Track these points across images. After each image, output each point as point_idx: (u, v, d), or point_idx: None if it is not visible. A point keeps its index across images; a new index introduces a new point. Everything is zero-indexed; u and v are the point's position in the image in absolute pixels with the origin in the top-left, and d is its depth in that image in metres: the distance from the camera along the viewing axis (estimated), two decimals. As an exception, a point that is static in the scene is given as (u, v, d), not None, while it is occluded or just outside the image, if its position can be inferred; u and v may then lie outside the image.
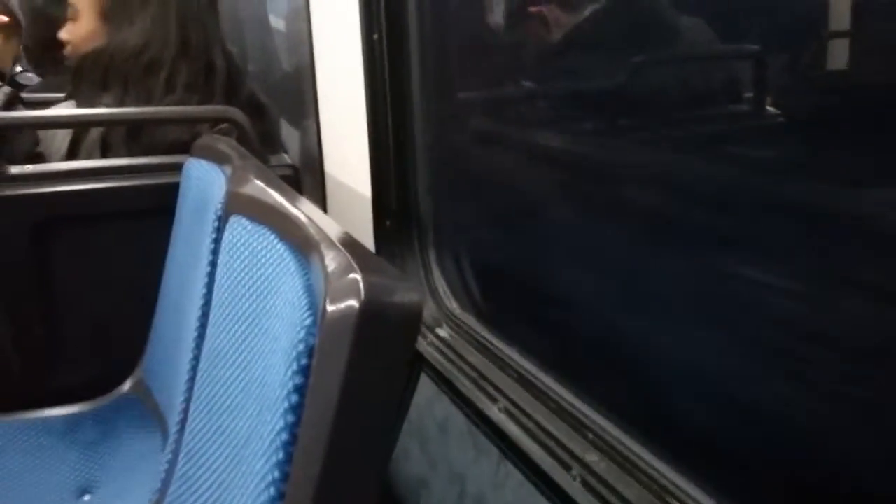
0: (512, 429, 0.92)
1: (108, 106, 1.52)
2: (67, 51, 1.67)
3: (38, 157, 1.52)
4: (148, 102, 1.53)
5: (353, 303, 0.58)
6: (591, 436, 0.84)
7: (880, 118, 0.57)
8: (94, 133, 1.52)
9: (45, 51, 2.36)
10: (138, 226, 1.46)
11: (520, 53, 1.11)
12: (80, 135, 1.52)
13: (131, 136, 1.52)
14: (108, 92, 1.53)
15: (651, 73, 0.84)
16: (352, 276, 0.61)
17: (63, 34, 1.67)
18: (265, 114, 1.72)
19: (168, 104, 1.53)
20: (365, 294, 0.58)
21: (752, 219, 0.69)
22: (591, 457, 0.82)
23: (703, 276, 0.77)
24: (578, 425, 0.86)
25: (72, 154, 1.52)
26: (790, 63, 0.68)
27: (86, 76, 1.55)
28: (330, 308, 0.60)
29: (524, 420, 0.91)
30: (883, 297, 0.59)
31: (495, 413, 0.95)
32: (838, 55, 0.62)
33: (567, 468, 0.82)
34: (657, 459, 0.77)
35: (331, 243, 0.69)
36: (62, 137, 1.52)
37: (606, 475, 0.78)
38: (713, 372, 0.76)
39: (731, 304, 0.73)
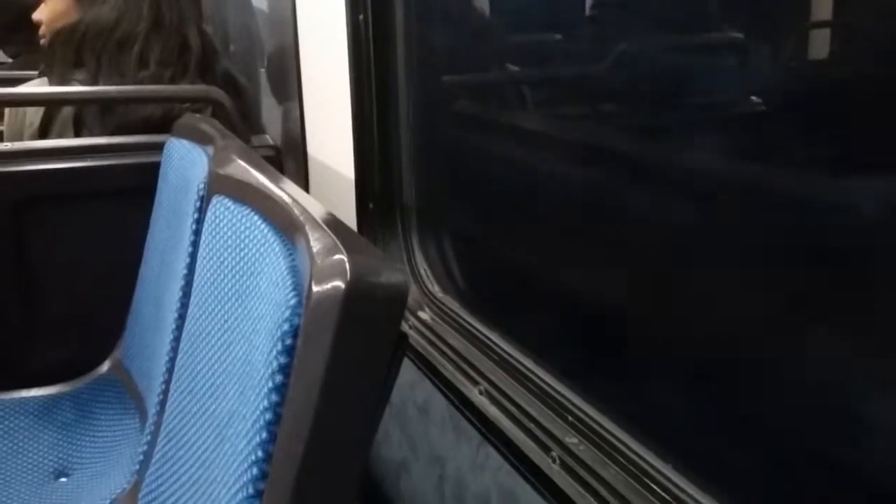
0: (492, 411, 0.92)
1: (81, 83, 1.51)
2: (42, 31, 1.65)
3: None
4: (121, 78, 1.52)
5: (339, 283, 0.58)
6: (570, 418, 0.85)
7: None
8: (67, 110, 1.50)
9: (13, 32, 2.32)
10: (118, 205, 1.44)
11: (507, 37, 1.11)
12: (52, 112, 1.50)
13: (103, 112, 1.51)
14: (80, 69, 1.52)
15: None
16: (337, 256, 0.61)
17: (37, 14, 1.66)
18: (242, 93, 1.72)
19: (141, 79, 1.52)
20: (351, 274, 0.58)
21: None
22: (571, 439, 0.82)
23: (663, 256, 0.79)
24: (558, 408, 0.87)
25: (44, 131, 1.50)
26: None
27: (58, 53, 1.54)
28: (315, 288, 0.60)
29: (505, 403, 0.92)
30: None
31: (476, 396, 0.96)
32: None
33: (547, 450, 0.83)
34: (635, 442, 0.78)
35: (315, 224, 0.68)
36: (32, 115, 1.50)
37: (585, 457, 0.79)
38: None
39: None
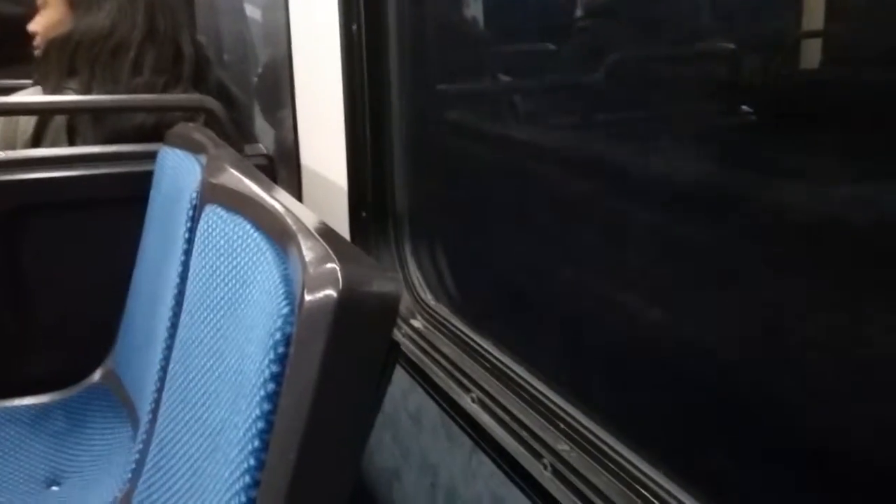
0: (484, 419, 0.93)
1: (74, 91, 1.51)
2: (37, 42, 1.66)
3: None
4: (115, 85, 1.52)
5: (331, 292, 0.59)
6: (562, 426, 0.85)
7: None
8: (60, 118, 1.51)
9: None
10: (110, 214, 1.44)
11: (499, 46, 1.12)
12: (45, 120, 1.50)
13: (96, 120, 1.51)
14: (74, 77, 1.53)
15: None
16: (329, 265, 0.61)
17: (32, 25, 1.66)
18: (235, 102, 1.73)
19: (135, 87, 1.53)
20: (343, 283, 0.59)
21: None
22: (562, 446, 0.83)
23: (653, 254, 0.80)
24: (550, 415, 0.87)
25: (37, 140, 1.51)
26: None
27: (53, 62, 1.55)
28: (308, 297, 0.60)
29: (497, 410, 0.92)
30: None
31: (468, 403, 0.96)
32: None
33: (538, 457, 0.83)
34: (626, 449, 0.79)
35: (308, 233, 0.69)
36: (25, 123, 1.51)
37: (577, 464, 0.80)
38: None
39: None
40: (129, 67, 1.53)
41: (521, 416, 0.89)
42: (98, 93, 1.51)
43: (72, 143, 1.52)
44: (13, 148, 1.50)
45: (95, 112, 1.51)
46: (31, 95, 1.55)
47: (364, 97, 1.22)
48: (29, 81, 1.63)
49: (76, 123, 1.52)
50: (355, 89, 1.23)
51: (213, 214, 0.93)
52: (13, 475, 1.30)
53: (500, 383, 0.96)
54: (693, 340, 0.76)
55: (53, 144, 1.51)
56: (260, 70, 1.80)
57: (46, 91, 1.53)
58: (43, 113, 1.49)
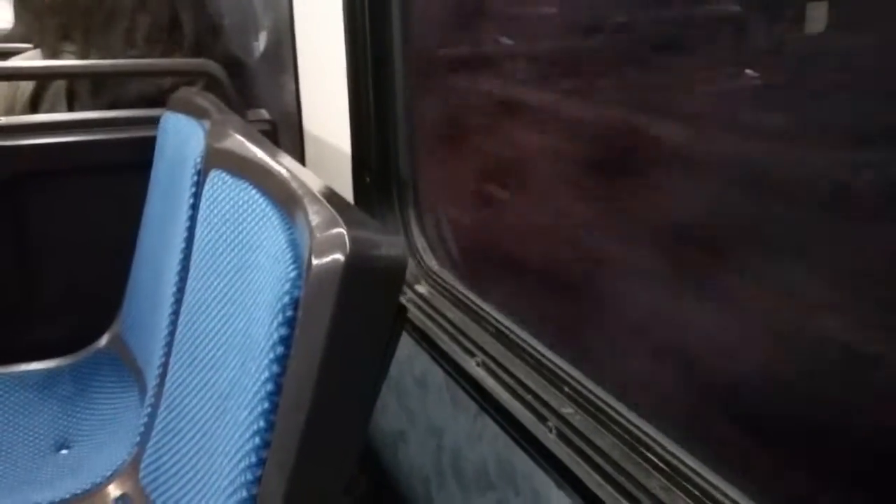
0: (489, 383, 0.93)
1: (73, 55, 1.49)
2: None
3: None
4: (110, 55, 1.50)
5: (339, 256, 0.59)
6: (566, 389, 0.86)
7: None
8: (59, 82, 1.49)
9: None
10: (114, 180, 1.44)
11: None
12: (44, 83, 1.49)
13: (96, 88, 1.50)
14: (70, 41, 1.51)
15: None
16: (337, 229, 0.61)
17: None
18: (237, 67, 1.71)
19: (129, 58, 1.50)
20: (350, 247, 0.59)
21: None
22: (567, 409, 0.84)
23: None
24: (555, 379, 0.88)
25: (35, 103, 1.49)
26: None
27: (48, 25, 1.53)
28: (315, 261, 0.60)
29: (501, 374, 0.93)
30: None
31: (473, 368, 0.97)
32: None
33: (543, 420, 0.84)
34: (629, 411, 0.79)
35: (314, 198, 0.69)
36: (26, 85, 1.49)
37: (581, 427, 0.81)
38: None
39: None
40: (122, 36, 1.51)
41: (525, 380, 0.90)
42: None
43: (71, 108, 1.51)
44: (13, 111, 1.49)
45: (95, 77, 1.49)
46: (30, 60, 1.54)
47: (367, 60, 1.21)
48: (29, 46, 1.61)
49: (77, 87, 1.50)
50: (358, 53, 1.22)
51: (218, 180, 0.93)
52: (22, 439, 1.32)
53: (504, 348, 0.97)
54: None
55: (52, 109, 1.50)
56: (262, 34, 1.78)
57: (45, 55, 1.51)
58: (42, 78, 1.48)
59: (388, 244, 0.62)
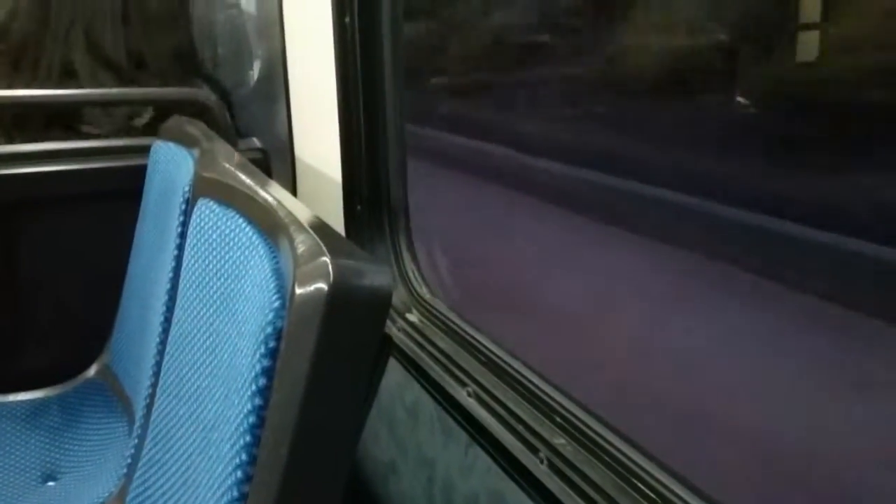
0: (481, 413, 0.92)
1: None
2: None
3: None
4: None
5: (322, 285, 0.58)
6: (558, 419, 0.85)
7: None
8: None
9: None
10: (104, 208, 1.44)
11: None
12: None
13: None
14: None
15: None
16: (321, 258, 0.60)
17: None
18: (230, 96, 1.71)
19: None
20: (334, 276, 0.58)
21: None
22: (559, 440, 0.82)
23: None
24: (546, 409, 0.87)
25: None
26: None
27: None
28: (298, 290, 0.59)
29: (493, 404, 0.92)
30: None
31: (464, 398, 0.96)
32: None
33: (535, 451, 0.83)
34: (622, 441, 0.78)
35: (300, 226, 0.68)
36: None
37: (573, 458, 0.79)
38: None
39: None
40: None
41: (517, 410, 0.89)
42: None
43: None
44: None
45: (88, 105, 1.50)
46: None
47: (358, 90, 1.21)
48: None
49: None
50: (349, 82, 1.22)
51: (206, 208, 0.92)
52: (9, 470, 1.30)
53: (495, 377, 0.95)
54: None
55: None
56: (254, 63, 1.79)
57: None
58: (26, 108, 1.48)
59: (374, 273, 0.61)
